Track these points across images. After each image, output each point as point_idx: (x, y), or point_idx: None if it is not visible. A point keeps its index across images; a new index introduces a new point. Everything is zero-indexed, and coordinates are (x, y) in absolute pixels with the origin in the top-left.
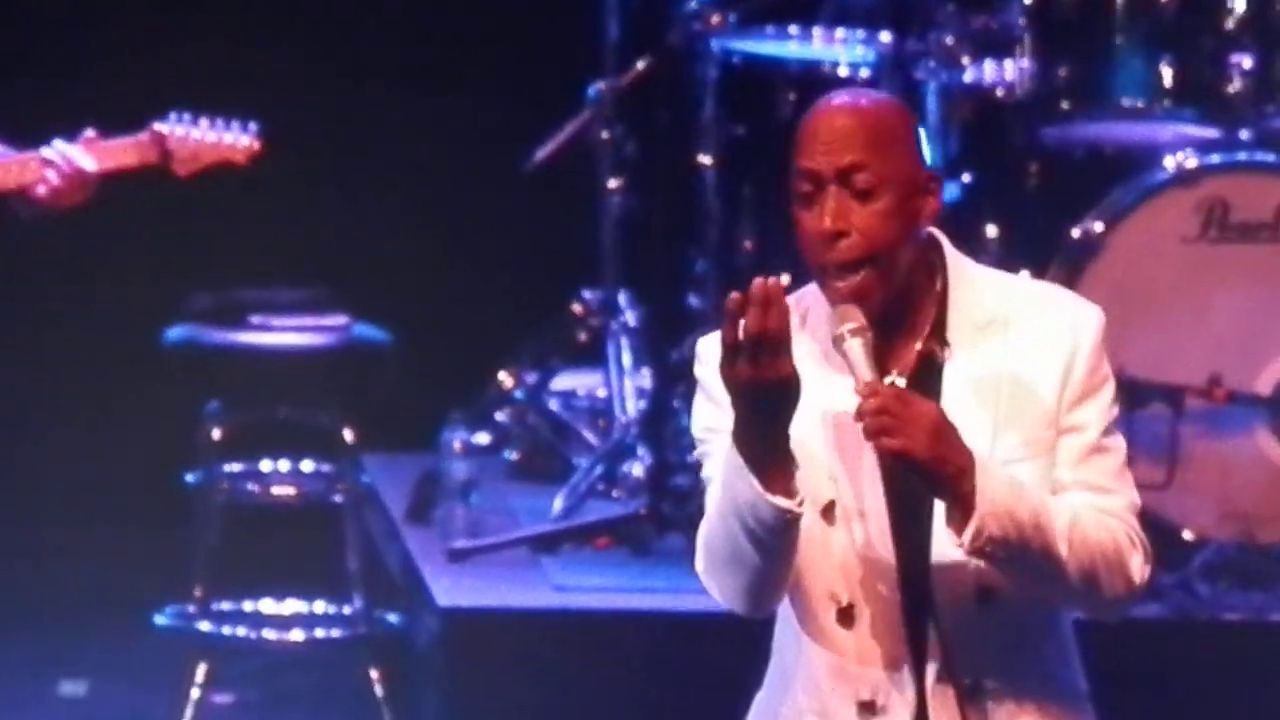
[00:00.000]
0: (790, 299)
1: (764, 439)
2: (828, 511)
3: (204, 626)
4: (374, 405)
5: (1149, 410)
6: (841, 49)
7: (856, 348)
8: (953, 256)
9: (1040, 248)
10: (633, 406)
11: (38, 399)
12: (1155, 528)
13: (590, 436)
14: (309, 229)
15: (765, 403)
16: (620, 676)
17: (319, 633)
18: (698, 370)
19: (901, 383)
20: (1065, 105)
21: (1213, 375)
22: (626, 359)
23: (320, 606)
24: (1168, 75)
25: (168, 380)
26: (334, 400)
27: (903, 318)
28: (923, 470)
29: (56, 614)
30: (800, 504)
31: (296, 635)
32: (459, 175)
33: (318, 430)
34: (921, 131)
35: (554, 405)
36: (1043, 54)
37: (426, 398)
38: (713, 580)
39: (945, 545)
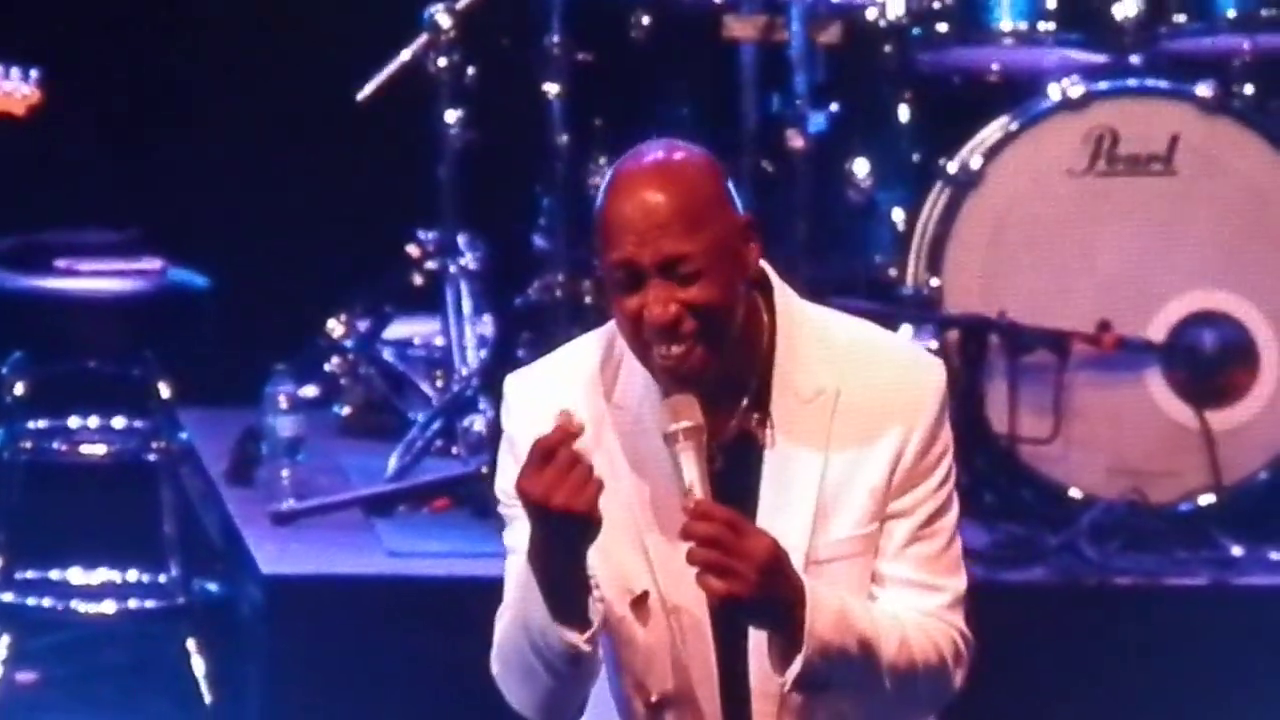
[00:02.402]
0: (598, 337)
1: (557, 565)
2: (639, 604)
3: (6, 597)
4: (191, 356)
5: (1033, 358)
6: None
7: (689, 455)
8: (783, 306)
9: (913, 183)
10: (473, 356)
11: None
12: (1039, 485)
13: (427, 389)
14: (119, 165)
15: (560, 530)
16: (459, 649)
17: (132, 603)
18: (505, 420)
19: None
20: (941, 28)
21: (1101, 320)
22: (466, 305)
23: (133, 575)
24: None
25: None
26: (147, 351)
27: (723, 382)
28: (748, 610)
29: None
30: (590, 640)
31: (108, 606)
32: (284, 107)
33: (130, 384)
34: (728, 181)
35: (388, 355)
36: None
37: (248, 348)
38: (505, 687)
39: (763, 640)
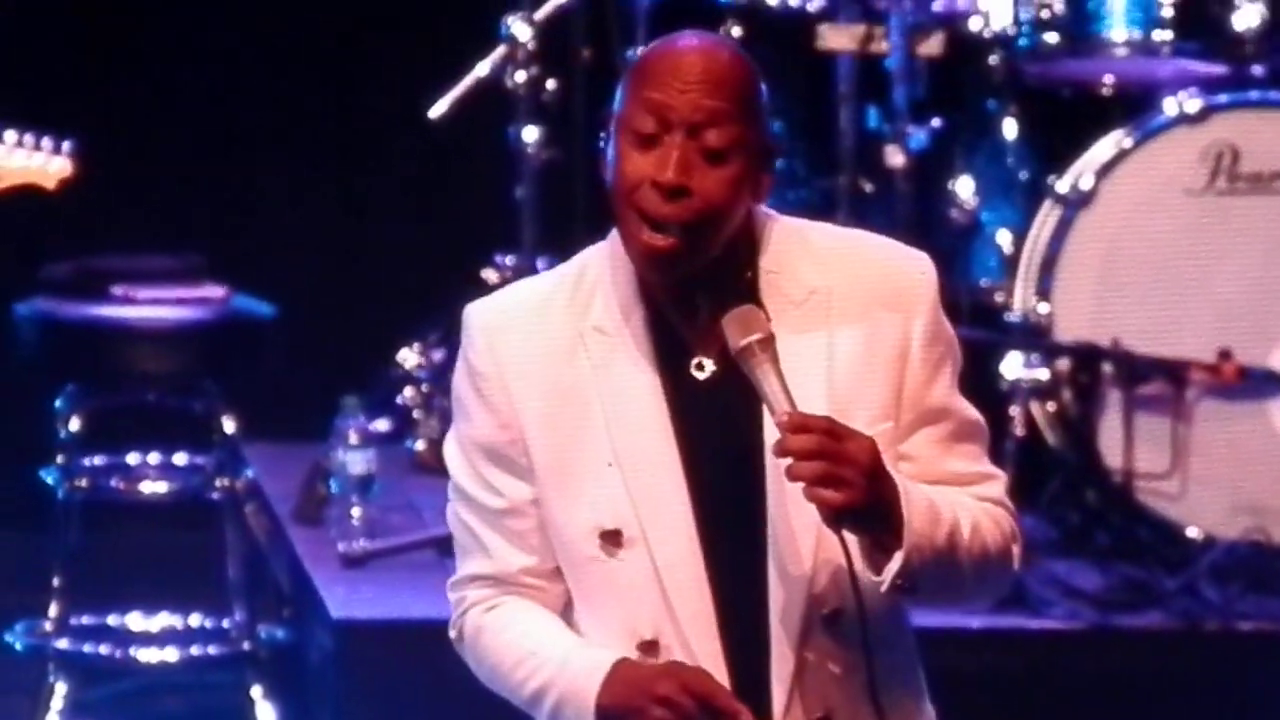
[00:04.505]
0: (568, 266)
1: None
2: (610, 540)
3: (62, 644)
4: (257, 388)
5: (1149, 389)
6: None
7: (767, 368)
8: (761, 217)
9: (1021, 203)
10: None
11: None
12: (1156, 524)
13: None
14: (180, 187)
15: None
16: None
17: (195, 650)
18: (467, 351)
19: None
20: (1050, 38)
21: (1221, 349)
22: None
23: (196, 620)
24: (1168, 3)
25: (19, 361)
26: (210, 383)
27: (714, 293)
28: (859, 516)
29: None
30: None
31: (169, 654)
32: (354, 125)
33: (192, 417)
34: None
35: None
36: None
37: (316, 379)
38: (476, 670)
39: (785, 566)
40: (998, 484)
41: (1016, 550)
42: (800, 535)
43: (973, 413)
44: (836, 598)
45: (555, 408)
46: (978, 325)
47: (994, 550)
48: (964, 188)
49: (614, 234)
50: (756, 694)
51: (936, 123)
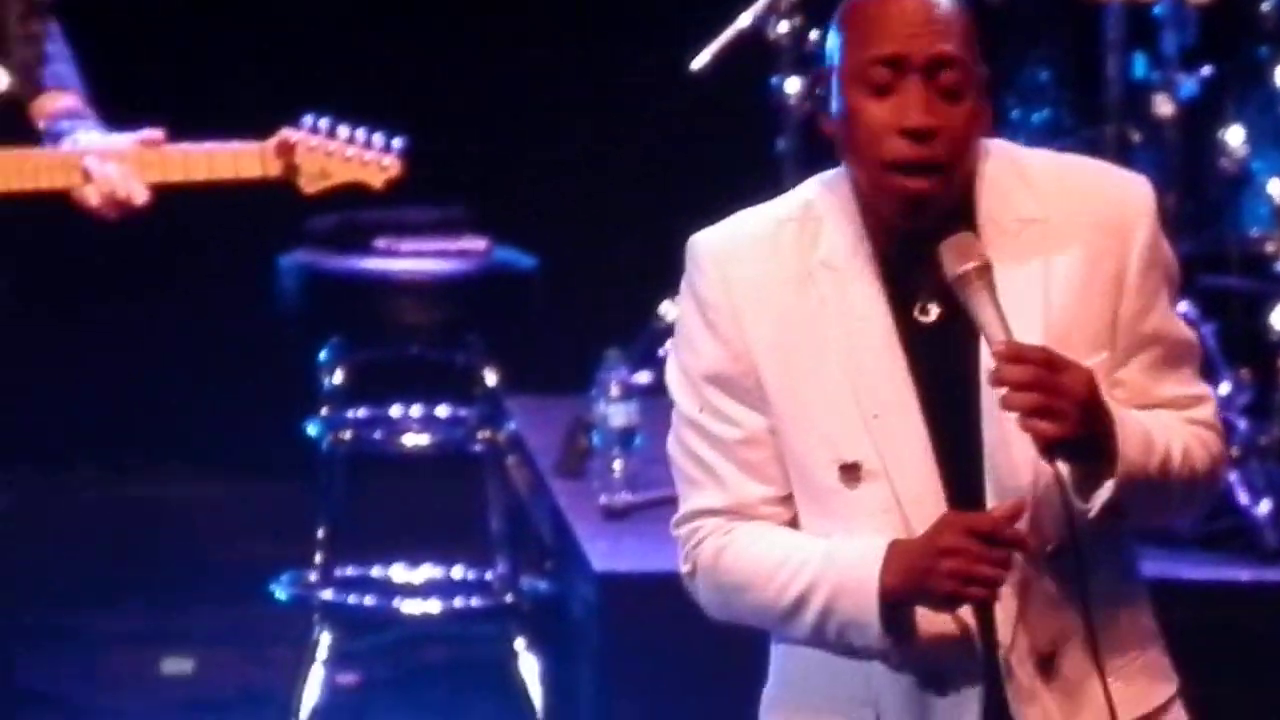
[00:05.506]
0: (791, 199)
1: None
2: (850, 473)
3: (327, 595)
4: (519, 341)
5: None
6: None
7: (984, 295)
8: (978, 144)
9: None
10: None
11: (142, 338)
12: None
13: None
14: (443, 139)
15: (952, 602)
16: None
17: (458, 602)
18: (696, 283)
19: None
20: None
21: None
22: None
23: (459, 572)
24: None
25: (284, 314)
26: (472, 336)
27: (937, 233)
28: (1072, 448)
29: (160, 581)
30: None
31: (432, 605)
32: (616, 77)
33: (454, 370)
34: None
35: None
36: None
37: (578, 331)
38: (724, 616)
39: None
40: (1208, 405)
41: (1222, 471)
42: (1019, 473)
43: (1186, 333)
44: (1056, 534)
45: (787, 339)
46: (1248, 275)
47: (1202, 473)
48: (1234, 137)
49: (838, 172)
50: (983, 629)
51: (1206, 71)
